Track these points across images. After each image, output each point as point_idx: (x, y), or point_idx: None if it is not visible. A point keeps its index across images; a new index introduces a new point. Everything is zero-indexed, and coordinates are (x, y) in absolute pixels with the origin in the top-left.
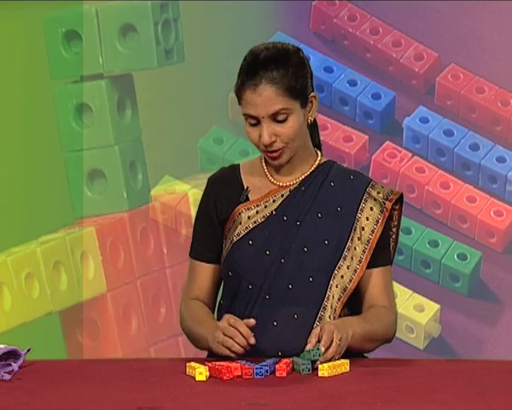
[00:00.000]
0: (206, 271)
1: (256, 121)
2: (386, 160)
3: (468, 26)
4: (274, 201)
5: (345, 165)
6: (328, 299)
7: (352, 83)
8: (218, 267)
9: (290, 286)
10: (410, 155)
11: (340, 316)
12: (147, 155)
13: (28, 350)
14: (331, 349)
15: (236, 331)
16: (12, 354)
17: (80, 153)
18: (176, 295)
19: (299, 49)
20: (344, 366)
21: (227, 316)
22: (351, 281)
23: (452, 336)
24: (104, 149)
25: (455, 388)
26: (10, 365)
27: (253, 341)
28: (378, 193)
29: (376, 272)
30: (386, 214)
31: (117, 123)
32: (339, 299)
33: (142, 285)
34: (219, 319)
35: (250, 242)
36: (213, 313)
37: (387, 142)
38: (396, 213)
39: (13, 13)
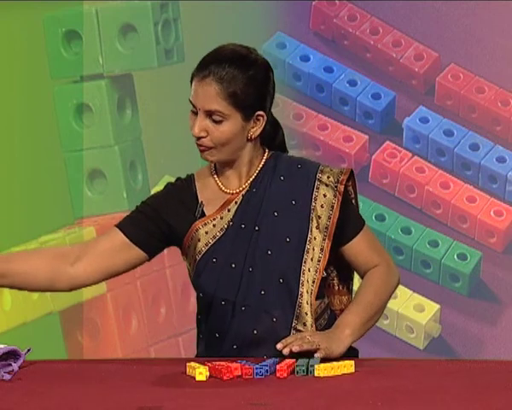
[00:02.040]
0: (114, 237)
1: (196, 110)
2: (386, 160)
3: (468, 27)
4: (229, 210)
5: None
6: (301, 296)
7: (352, 83)
8: (129, 247)
9: (263, 292)
10: (410, 155)
11: (320, 306)
12: (147, 155)
13: (28, 350)
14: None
15: None
16: (12, 354)
17: (80, 153)
18: (176, 296)
19: (266, 66)
20: (347, 367)
21: None
22: (317, 271)
23: (452, 336)
24: (104, 149)
25: (455, 388)
26: (10, 365)
27: None
28: (328, 177)
29: (355, 243)
30: (340, 198)
31: (117, 123)
32: (311, 293)
33: (142, 285)
34: (199, 333)
35: (214, 260)
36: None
37: (387, 142)
38: (350, 188)
39: (13, 13)
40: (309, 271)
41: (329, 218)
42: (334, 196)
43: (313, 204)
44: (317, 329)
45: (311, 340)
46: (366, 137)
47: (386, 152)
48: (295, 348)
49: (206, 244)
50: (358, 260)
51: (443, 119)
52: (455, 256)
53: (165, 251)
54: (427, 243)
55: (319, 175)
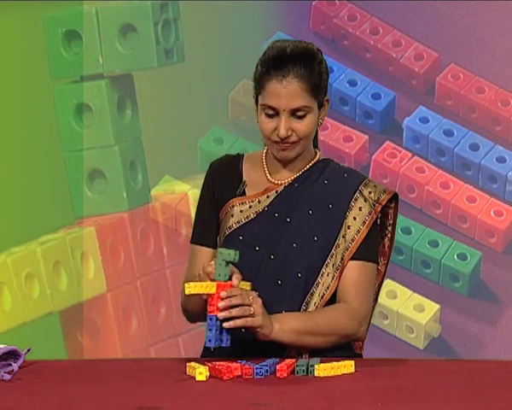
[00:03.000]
0: (205, 255)
1: (274, 113)
2: (386, 160)
3: (468, 27)
4: (268, 197)
5: (345, 164)
6: (311, 295)
7: (352, 83)
8: (214, 253)
9: (279, 282)
10: (410, 155)
11: None
12: (147, 155)
13: (28, 350)
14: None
15: None
16: (12, 354)
17: (80, 153)
18: (176, 295)
19: (320, 51)
20: (347, 367)
21: None
22: (333, 278)
23: (452, 336)
24: (104, 149)
25: (455, 388)
26: (10, 365)
27: None
28: (370, 193)
29: (351, 266)
30: (374, 217)
31: (117, 123)
32: (322, 297)
33: (142, 285)
34: None
35: (240, 237)
36: None
37: (387, 142)
38: (391, 211)
39: (13, 13)
40: (327, 275)
41: (358, 232)
42: (369, 213)
43: (347, 213)
44: None
45: (251, 305)
46: (366, 137)
47: (386, 152)
48: (229, 325)
49: (238, 222)
50: (341, 283)
51: (443, 119)
52: (455, 256)
53: (165, 251)
54: (427, 243)
55: (361, 187)
